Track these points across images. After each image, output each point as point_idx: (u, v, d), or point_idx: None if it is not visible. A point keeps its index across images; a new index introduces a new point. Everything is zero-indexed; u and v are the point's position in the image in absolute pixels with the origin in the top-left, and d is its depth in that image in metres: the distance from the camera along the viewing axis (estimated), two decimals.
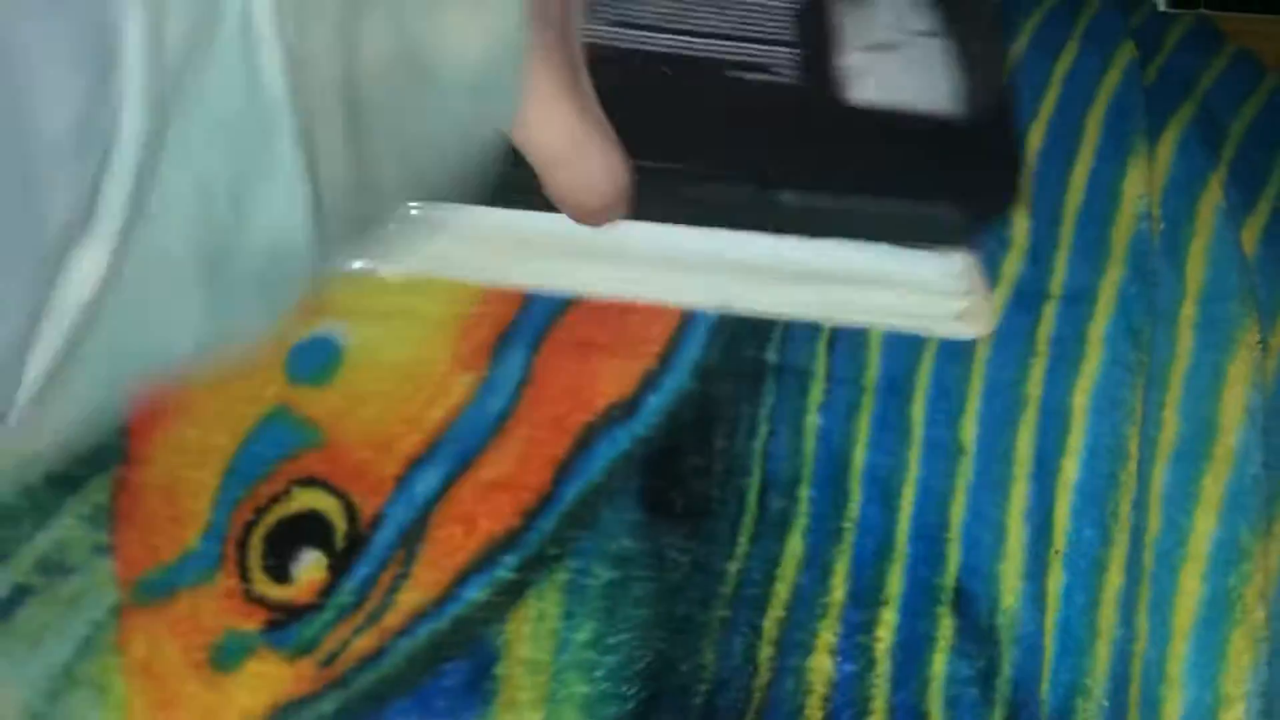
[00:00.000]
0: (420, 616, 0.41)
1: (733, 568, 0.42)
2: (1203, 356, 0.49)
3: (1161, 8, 0.59)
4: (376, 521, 0.41)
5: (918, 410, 0.46)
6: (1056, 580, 0.43)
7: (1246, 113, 0.58)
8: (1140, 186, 0.52)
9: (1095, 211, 0.52)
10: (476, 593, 0.41)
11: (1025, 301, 0.49)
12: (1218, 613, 0.44)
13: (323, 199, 0.26)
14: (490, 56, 0.29)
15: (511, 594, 0.41)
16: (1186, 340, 0.49)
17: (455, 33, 0.28)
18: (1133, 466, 0.45)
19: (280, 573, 0.41)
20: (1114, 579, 0.44)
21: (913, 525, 0.44)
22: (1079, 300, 0.49)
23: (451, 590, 0.41)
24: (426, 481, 0.42)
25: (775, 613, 0.42)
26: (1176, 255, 0.51)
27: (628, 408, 0.44)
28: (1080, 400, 0.47)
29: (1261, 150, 0.56)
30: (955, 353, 0.47)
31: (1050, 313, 0.49)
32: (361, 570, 0.41)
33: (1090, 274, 0.50)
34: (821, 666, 0.42)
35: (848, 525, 0.43)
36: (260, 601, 0.40)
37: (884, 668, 0.42)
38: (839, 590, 0.43)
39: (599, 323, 0.45)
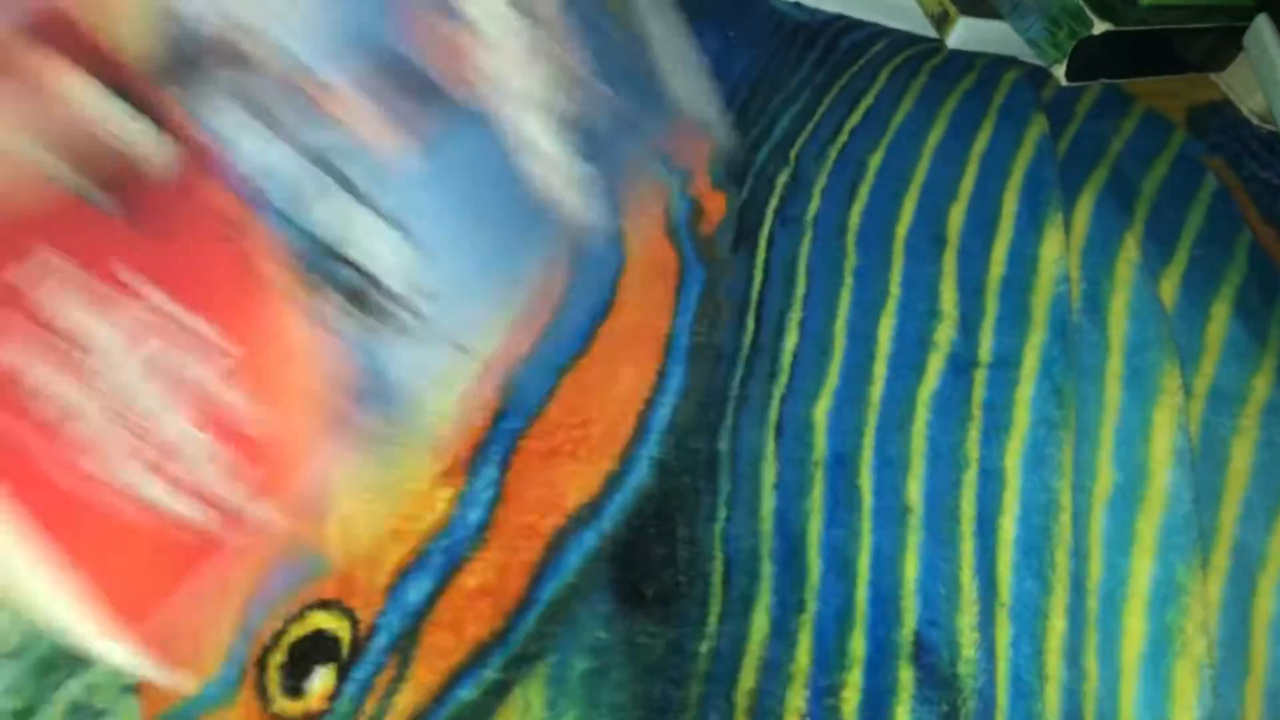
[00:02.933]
0: (417, 717, 0.42)
1: (704, 647, 0.44)
2: (1131, 407, 0.51)
3: (1063, 83, 0.62)
4: (373, 630, 0.43)
5: (865, 479, 0.48)
6: (1004, 631, 0.45)
7: (1158, 169, 0.61)
8: (1057, 251, 0.55)
9: (1016, 281, 0.54)
10: (467, 692, 0.43)
11: (958, 368, 0.51)
12: (1161, 647, 0.45)
13: None
14: None
15: (499, 691, 0.43)
16: (1115, 392, 0.51)
17: None
18: (1066, 518, 0.47)
19: (295, 690, 0.42)
20: (1057, 625, 0.45)
21: (870, 589, 0.46)
22: (1005, 365, 0.51)
23: (444, 692, 0.43)
24: (417, 591, 0.44)
25: (746, 684, 0.44)
26: (1098, 313, 0.54)
27: (594, 509, 0.46)
28: (1012, 461, 0.49)
29: (1174, 203, 0.60)
30: (894, 424, 0.50)
31: (980, 379, 0.51)
32: (359, 674, 0.43)
33: (1014, 340, 0.52)
34: None
35: (808, 596, 0.45)
36: (277, 717, 0.42)
37: None
38: (804, 658, 0.44)
39: (563, 430, 0.47)
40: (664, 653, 0.44)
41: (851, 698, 0.44)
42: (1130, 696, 0.45)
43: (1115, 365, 0.52)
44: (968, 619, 0.45)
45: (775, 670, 0.44)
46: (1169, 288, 0.55)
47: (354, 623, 0.43)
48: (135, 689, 0.41)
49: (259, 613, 0.43)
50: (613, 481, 0.46)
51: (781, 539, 0.46)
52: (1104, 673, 0.45)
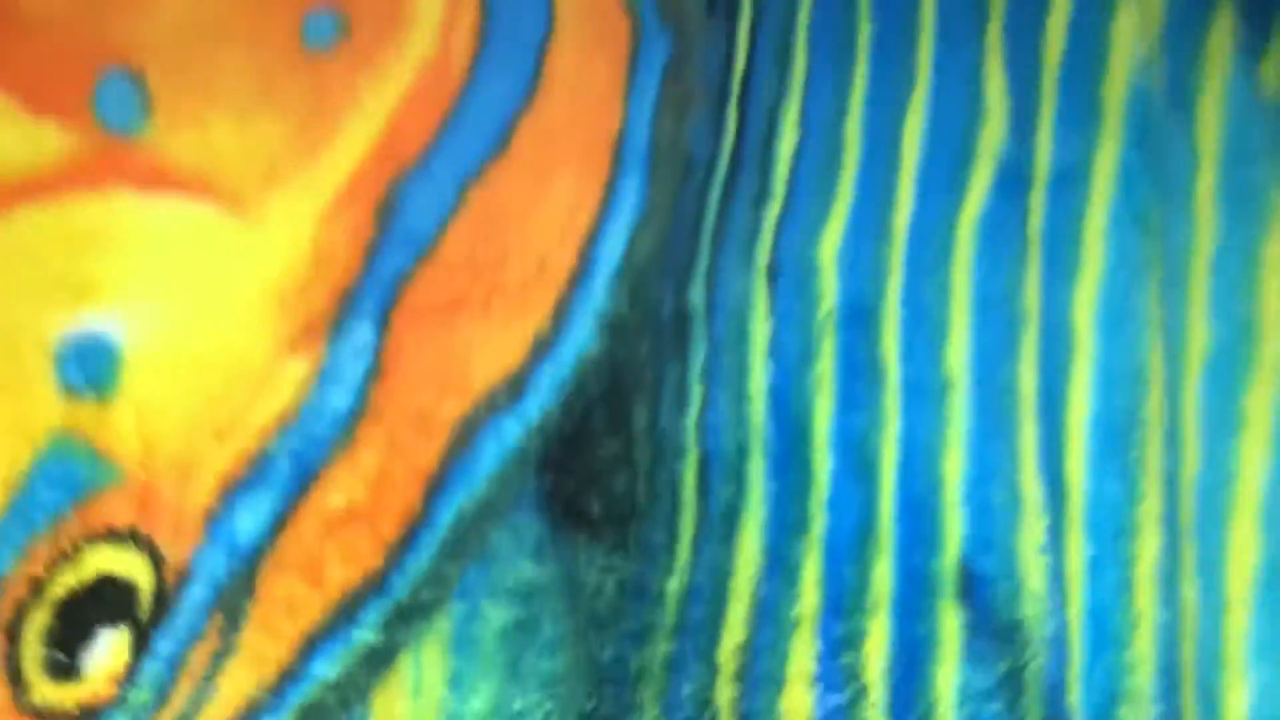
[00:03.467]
0: (254, 710, 0.33)
1: (672, 586, 0.37)
2: (1230, 238, 0.45)
3: None
4: (185, 576, 0.34)
5: (890, 341, 0.41)
6: (1078, 553, 0.39)
7: None
8: (1133, 28, 0.46)
9: (1080, 65, 0.46)
10: (329, 666, 0.34)
11: (1009, 185, 0.44)
12: None
13: None
14: None
15: (377, 662, 0.35)
16: (1208, 218, 0.45)
17: None
18: (1158, 393, 0.41)
19: (67, 669, 0.33)
20: (1149, 544, 0.39)
21: (898, 497, 0.39)
22: (1070, 180, 0.44)
23: (294, 667, 0.34)
24: (251, 516, 0.34)
25: (733, 639, 0.37)
26: (1186, 110, 0.46)
27: (514, 387, 0.37)
28: (1083, 314, 0.42)
29: None
30: (927, 264, 0.43)
31: (1039, 200, 0.44)
32: (165, 647, 0.33)
33: (1081, 146, 0.45)
34: (799, 702, 0.37)
35: (815, 509, 0.39)
36: (39, 714, 0.33)
37: (878, 693, 0.37)
38: (811, 597, 0.38)
39: (468, 272, 0.38)
40: (616, 596, 0.37)
41: (877, 652, 0.38)
42: (1239, 635, 0.40)
43: (1209, 180, 0.45)
44: (1031, 537, 0.39)
45: (772, 616, 0.38)
46: (1270, 74, 0.47)
47: (157, 564, 0.34)
48: None
49: (8, 547, 0.33)
50: (541, 348, 0.38)
51: (778, 429, 0.40)
52: (1206, 603, 0.40)
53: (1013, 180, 0.44)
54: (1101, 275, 0.43)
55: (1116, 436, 0.40)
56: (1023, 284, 0.43)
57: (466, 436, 0.36)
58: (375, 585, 0.34)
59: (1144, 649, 0.38)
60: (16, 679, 0.32)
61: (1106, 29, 0.46)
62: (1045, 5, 0.47)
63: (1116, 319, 0.42)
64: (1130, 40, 0.46)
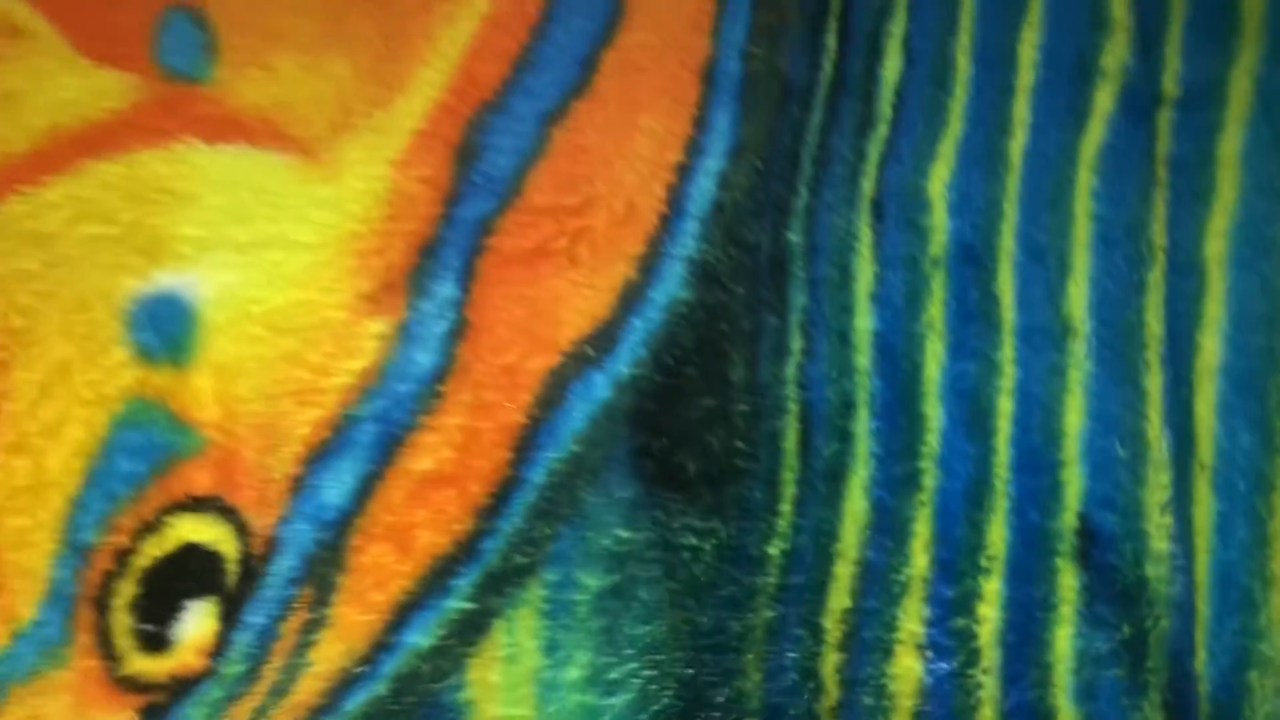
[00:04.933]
0: (347, 682, 0.33)
1: (774, 549, 0.36)
2: None
3: None
4: (272, 546, 0.33)
5: (1005, 282, 0.40)
6: (1206, 509, 0.38)
7: None
8: None
9: None
10: (422, 636, 0.34)
11: (1134, 108, 0.42)
12: None
13: None
14: None
15: (470, 630, 0.34)
16: None
17: None
18: None
19: (157, 639, 0.32)
20: None
21: (1014, 451, 0.38)
22: (1202, 102, 0.42)
23: (387, 637, 0.33)
24: (337, 484, 0.34)
25: (838, 604, 0.36)
26: None
27: (604, 339, 0.36)
28: (1215, 248, 0.41)
29: None
30: (1045, 197, 0.41)
31: (1166, 123, 0.42)
32: (255, 619, 0.33)
33: (1214, 62, 0.43)
34: (907, 670, 0.36)
35: (926, 465, 0.37)
36: (131, 684, 0.32)
37: (991, 658, 0.36)
38: (921, 559, 0.37)
39: (552, 218, 0.36)
40: (715, 560, 0.36)
41: (990, 616, 0.37)
42: None
43: None
44: (1157, 493, 0.38)
45: (880, 579, 0.37)
46: None
47: (243, 534, 0.33)
48: None
49: (90, 517, 0.33)
50: (630, 298, 0.37)
51: (885, 380, 0.39)
52: None
53: (1138, 102, 0.44)
54: (1236, 205, 0.42)
55: (1250, 383, 0.39)
56: (1149, 217, 0.41)
57: (555, 393, 0.36)
58: (466, 551, 0.34)
59: (1278, 612, 0.37)
60: (108, 650, 0.32)
61: None
62: None
63: (1252, 253, 0.41)
64: None
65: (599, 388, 0.36)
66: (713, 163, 0.39)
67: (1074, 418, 0.38)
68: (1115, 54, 0.43)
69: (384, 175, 0.35)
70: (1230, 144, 0.42)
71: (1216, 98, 0.42)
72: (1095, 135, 0.42)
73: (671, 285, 0.37)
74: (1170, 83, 0.43)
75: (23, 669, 0.32)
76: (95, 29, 0.35)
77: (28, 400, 0.34)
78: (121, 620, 0.32)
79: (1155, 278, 0.40)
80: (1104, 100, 0.42)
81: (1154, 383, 0.39)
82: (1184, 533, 0.37)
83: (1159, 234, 0.41)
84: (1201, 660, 0.37)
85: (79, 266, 0.34)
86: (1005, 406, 0.39)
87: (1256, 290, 0.40)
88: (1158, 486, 0.38)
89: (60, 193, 0.35)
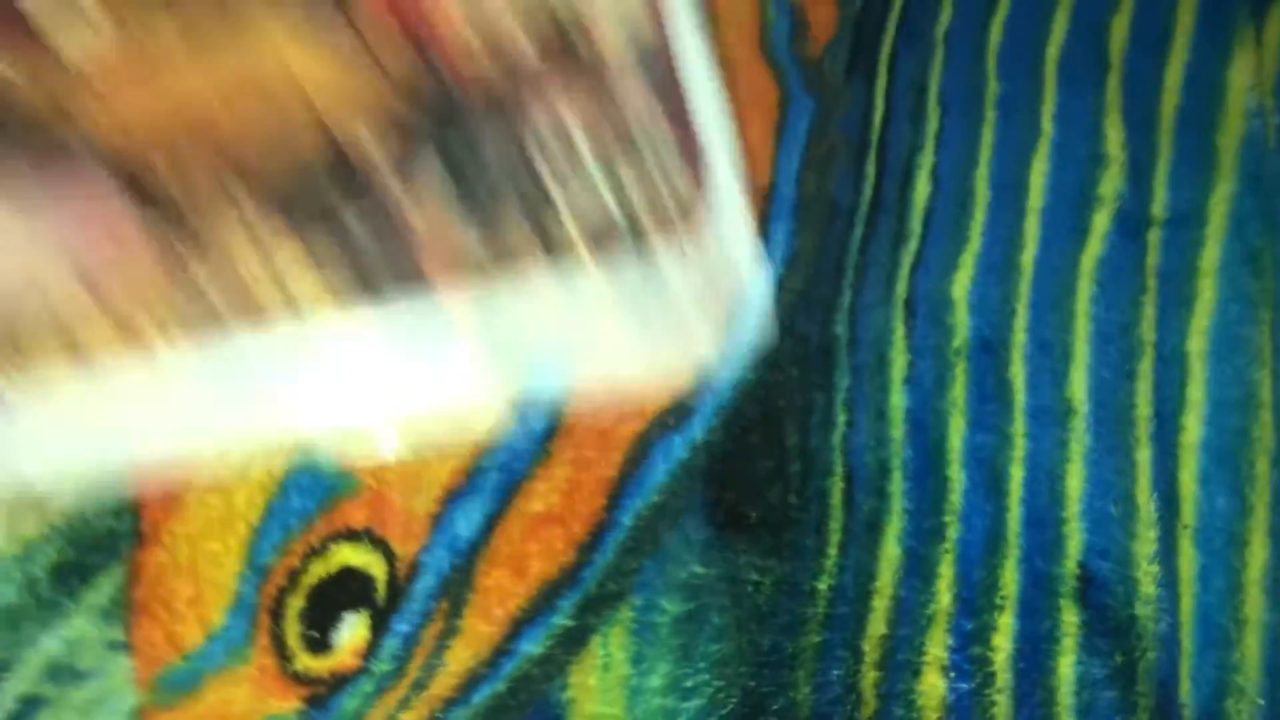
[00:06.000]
0: (474, 680, 0.37)
1: (822, 585, 0.39)
2: None
3: None
4: (414, 570, 0.38)
5: (1017, 370, 0.43)
6: (1189, 561, 0.40)
7: None
8: (1247, 77, 0.47)
9: (1196, 114, 0.47)
10: (533, 645, 0.38)
11: (1128, 228, 0.45)
12: None
13: None
14: None
15: (572, 642, 0.38)
16: None
17: None
18: (1267, 416, 0.42)
19: (320, 643, 0.37)
20: (1256, 554, 0.40)
21: (1024, 509, 0.41)
22: (1185, 223, 0.45)
23: (505, 644, 0.38)
24: (467, 520, 0.38)
25: (875, 631, 0.39)
26: None
27: (683, 409, 0.40)
28: (1196, 344, 0.43)
29: None
30: (1051, 299, 0.44)
31: (1155, 240, 0.45)
32: (401, 627, 0.38)
33: (1196, 191, 0.46)
34: (933, 687, 0.38)
35: (949, 519, 0.40)
36: (299, 678, 0.37)
37: (1004, 680, 0.39)
38: (945, 596, 0.39)
39: None
40: (773, 592, 0.39)
41: (1003, 645, 0.39)
42: None
43: None
44: (1145, 546, 0.40)
45: (910, 612, 0.39)
46: None
47: (390, 559, 0.38)
48: (125, 646, 0.34)
49: (269, 543, 0.38)
50: (704, 377, 0.41)
51: (915, 448, 0.41)
52: None
53: (1131, 223, 0.45)
54: (1214, 309, 0.43)
55: (1226, 456, 0.41)
56: (1140, 318, 0.43)
57: (641, 452, 0.39)
58: (569, 577, 0.38)
59: (1251, 649, 0.39)
60: (281, 650, 0.37)
61: (1221, 79, 0.47)
62: (1162, 59, 0.48)
63: (1227, 349, 0.43)
64: (1244, 89, 0.47)
65: (678, 449, 0.40)
66: (772, 270, 0.43)
67: (1075, 482, 0.41)
68: (1111, 183, 0.46)
69: None
70: (1209, 258, 0.44)
71: (1198, 220, 0.45)
72: (1094, 250, 0.44)
73: (738, 368, 0.41)
74: (1158, 207, 0.45)
75: (214, 663, 0.37)
76: None
77: (221, 449, 0.39)
78: (292, 627, 0.37)
79: (1145, 368, 0.42)
80: (1101, 221, 0.45)
81: (1143, 455, 0.41)
82: (1169, 580, 0.39)
83: (1148, 331, 0.43)
84: (1185, 689, 0.38)
85: None
86: (1016, 473, 0.41)
87: (1231, 379, 0.42)
88: (1147, 541, 0.40)
89: None
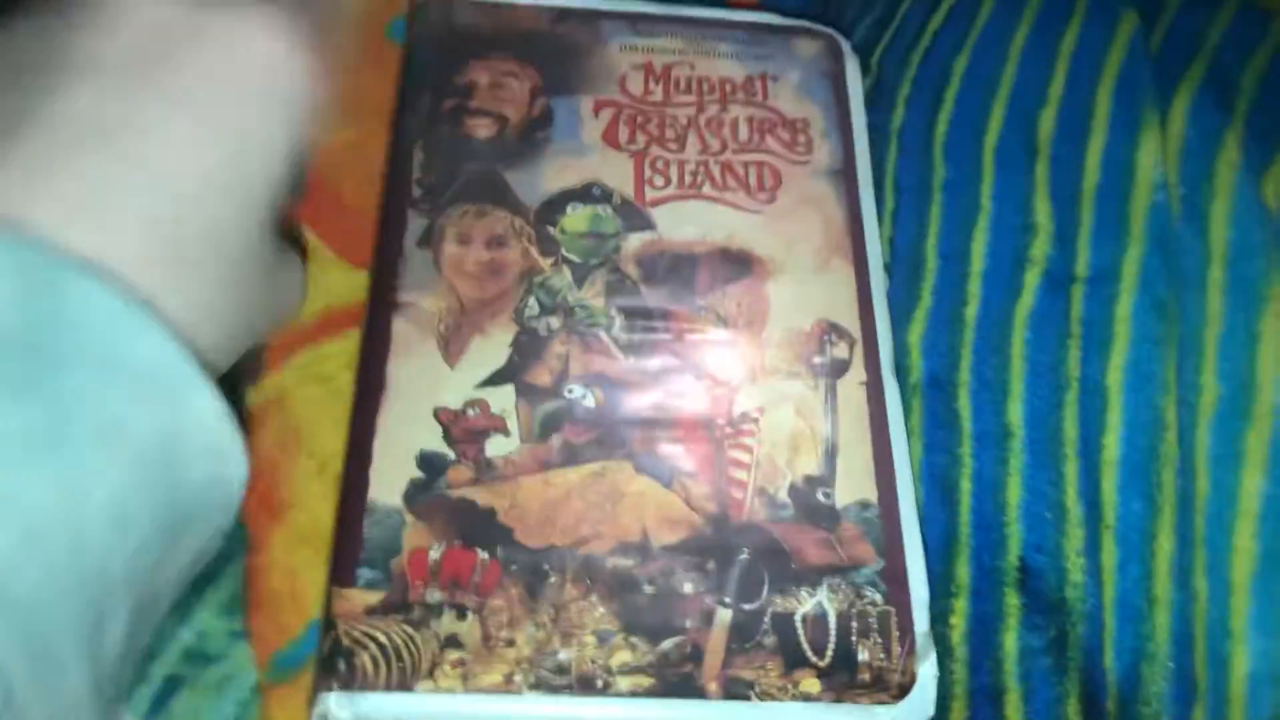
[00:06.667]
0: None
1: None
2: (1235, 318, 0.49)
3: None
4: None
5: (964, 402, 0.48)
6: (1110, 555, 0.45)
7: (1258, 63, 0.57)
8: (1154, 157, 0.53)
9: (1112, 189, 0.52)
10: None
11: (1055, 284, 0.50)
12: (1274, 565, 0.45)
13: None
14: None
15: None
16: (1216, 304, 0.49)
17: None
18: (1172, 436, 0.47)
19: None
20: (1165, 547, 0.45)
21: (973, 516, 0.46)
22: (1104, 280, 0.50)
23: None
24: None
25: None
26: (1198, 220, 0.51)
27: None
28: (1114, 378, 0.48)
29: (1277, 98, 0.56)
30: (992, 344, 0.49)
31: (1078, 294, 0.50)
32: None
33: (1112, 253, 0.50)
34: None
35: None
36: None
37: (961, 653, 0.44)
38: None
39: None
40: None
41: (959, 624, 0.45)
42: (1241, 616, 0.44)
43: (1217, 274, 0.50)
44: (1073, 543, 0.45)
45: None
46: (1273, 190, 0.52)
47: None
48: (244, 634, 0.42)
49: None
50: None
51: None
52: (1214, 593, 0.45)
53: (1057, 280, 0.50)
54: (1128, 350, 0.48)
55: (1140, 469, 0.45)
56: (1066, 358, 0.48)
57: None
58: None
59: (1161, 622, 0.43)
60: None
61: (1132, 159, 0.52)
62: (1083, 144, 0.53)
63: (1140, 382, 0.47)
64: (1152, 167, 0.52)
65: None
66: None
67: (1014, 493, 0.46)
68: (1041, 248, 0.51)
69: None
70: (1124, 308, 0.49)
71: (1114, 277, 0.49)
72: (1027, 303, 0.49)
73: None
74: (1081, 267, 0.50)
75: (313, 647, 0.42)
76: (353, 245, 0.49)
77: (306, 476, 0.44)
78: None
79: (1071, 399, 0.47)
80: (1033, 279, 0.50)
81: (1071, 469, 0.46)
82: (1094, 569, 0.44)
83: (1074, 369, 0.48)
84: (1109, 657, 0.43)
85: (345, 395, 0.46)
86: (966, 486, 0.46)
87: (1144, 406, 0.47)
88: (1075, 538, 0.45)
89: (335, 348, 0.47)
